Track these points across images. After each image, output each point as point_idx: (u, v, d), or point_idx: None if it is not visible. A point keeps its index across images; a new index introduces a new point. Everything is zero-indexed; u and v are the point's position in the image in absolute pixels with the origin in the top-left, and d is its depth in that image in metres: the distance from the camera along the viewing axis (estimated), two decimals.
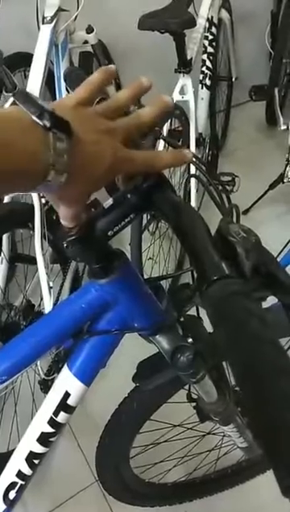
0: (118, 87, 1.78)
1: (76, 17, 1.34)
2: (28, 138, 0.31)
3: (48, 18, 1.25)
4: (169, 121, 1.44)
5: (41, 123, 0.31)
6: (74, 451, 1.25)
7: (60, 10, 1.27)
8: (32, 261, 1.19)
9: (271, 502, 1.09)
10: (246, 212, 1.86)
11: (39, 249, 1.12)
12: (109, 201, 0.46)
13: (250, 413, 0.26)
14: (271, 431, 0.24)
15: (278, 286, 0.33)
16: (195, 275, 0.35)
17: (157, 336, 0.59)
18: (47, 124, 0.31)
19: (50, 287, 1.15)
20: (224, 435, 1.02)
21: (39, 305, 1.23)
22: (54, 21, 1.24)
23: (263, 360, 0.26)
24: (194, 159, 0.55)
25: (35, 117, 0.31)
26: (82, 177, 0.35)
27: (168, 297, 0.54)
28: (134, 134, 0.39)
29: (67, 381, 0.59)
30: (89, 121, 0.36)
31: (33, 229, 1.12)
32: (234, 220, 0.46)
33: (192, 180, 1.49)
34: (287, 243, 1.15)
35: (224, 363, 0.68)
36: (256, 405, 0.26)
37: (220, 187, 0.48)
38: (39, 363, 1.17)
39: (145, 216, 1.44)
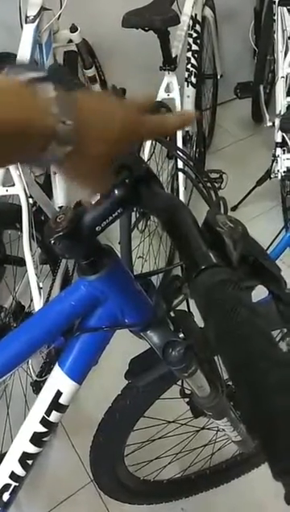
0: (104, 84, 1.77)
1: (59, 16, 1.34)
2: (28, 100, 0.31)
3: (31, 18, 1.24)
4: None
5: (36, 75, 0.32)
6: (68, 451, 1.24)
7: (42, 9, 1.26)
8: (21, 262, 1.18)
9: (266, 496, 1.09)
10: (234, 208, 1.87)
11: (27, 250, 1.11)
12: (97, 196, 0.46)
13: (242, 401, 0.26)
14: (263, 418, 0.24)
15: (266, 275, 0.33)
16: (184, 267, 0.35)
17: (148, 332, 0.59)
18: (43, 74, 0.32)
19: (40, 288, 1.14)
20: (218, 430, 1.02)
21: (29, 306, 1.22)
22: (37, 20, 1.24)
23: (252, 347, 0.27)
24: (181, 154, 0.55)
25: (31, 73, 0.32)
26: (92, 136, 0.34)
27: (158, 291, 0.54)
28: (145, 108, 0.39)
29: (58, 380, 0.59)
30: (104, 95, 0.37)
31: (21, 229, 1.11)
32: (222, 212, 0.46)
33: (180, 177, 1.49)
34: (276, 237, 1.16)
35: (215, 357, 0.68)
36: (247, 393, 0.26)
37: (207, 181, 0.48)
38: (31, 365, 1.16)
39: (134, 214, 1.44)
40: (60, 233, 0.44)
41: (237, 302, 0.28)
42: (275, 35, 1.73)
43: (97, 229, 0.46)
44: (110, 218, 0.46)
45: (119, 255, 0.54)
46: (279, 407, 0.24)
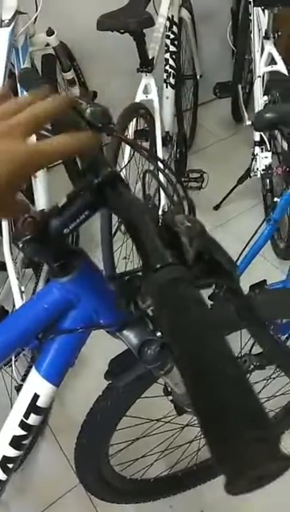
0: (85, 87, 1.78)
1: (35, 19, 1.34)
2: None
3: (6, 21, 1.23)
4: (135, 121, 1.45)
5: None
6: (56, 453, 1.24)
7: (18, 12, 1.26)
8: (3, 266, 1.18)
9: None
10: (217, 207, 1.89)
11: (8, 254, 1.11)
12: (63, 199, 0.47)
13: (191, 395, 0.27)
14: (211, 408, 0.25)
15: (220, 271, 0.34)
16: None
17: (124, 332, 0.59)
18: None
19: (22, 292, 1.14)
20: None
21: (13, 311, 1.22)
22: (12, 24, 1.23)
23: (203, 345, 0.27)
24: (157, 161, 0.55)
25: None
26: None
27: (117, 290, 0.55)
28: (34, 127, 0.37)
29: (35, 383, 0.59)
30: None
31: (1, 233, 1.11)
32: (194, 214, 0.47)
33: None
34: (257, 230, 1.17)
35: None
36: (197, 385, 0.26)
37: (173, 178, 0.49)
38: (15, 369, 1.15)
39: (117, 217, 1.44)
40: (28, 237, 0.45)
41: (188, 299, 0.28)
42: (252, 35, 1.76)
43: (65, 231, 0.47)
44: (78, 221, 0.46)
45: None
46: (229, 399, 0.25)
